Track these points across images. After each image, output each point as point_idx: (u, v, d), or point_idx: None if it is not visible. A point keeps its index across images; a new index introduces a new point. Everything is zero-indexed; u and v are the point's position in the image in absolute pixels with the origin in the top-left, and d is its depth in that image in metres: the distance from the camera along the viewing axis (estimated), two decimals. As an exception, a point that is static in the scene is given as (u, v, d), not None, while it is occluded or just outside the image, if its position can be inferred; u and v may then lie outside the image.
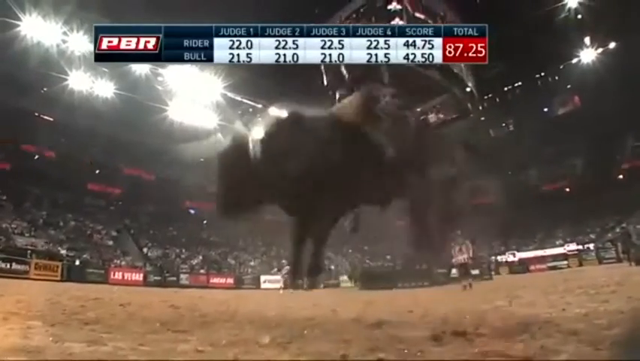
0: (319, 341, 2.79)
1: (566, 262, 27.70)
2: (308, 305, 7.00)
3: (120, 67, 27.41)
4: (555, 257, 29.14)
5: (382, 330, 3.20)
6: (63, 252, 24.11)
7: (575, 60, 31.61)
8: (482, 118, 34.79)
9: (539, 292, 6.99)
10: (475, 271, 23.61)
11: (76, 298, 6.85)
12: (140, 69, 27.96)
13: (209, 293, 13.87)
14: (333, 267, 29.81)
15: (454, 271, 20.17)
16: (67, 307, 5.27)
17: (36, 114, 30.95)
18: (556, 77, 33.65)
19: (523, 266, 29.28)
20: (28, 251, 21.59)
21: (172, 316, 4.71)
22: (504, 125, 37.82)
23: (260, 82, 28.10)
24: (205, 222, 36.23)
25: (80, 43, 25.24)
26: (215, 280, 26.91)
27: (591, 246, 28.84)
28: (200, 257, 31.17)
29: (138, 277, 24.68)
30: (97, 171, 33.96)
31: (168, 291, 16.14)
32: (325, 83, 25.06)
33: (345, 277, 27.80)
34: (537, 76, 33.88)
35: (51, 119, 31.31)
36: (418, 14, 23.80)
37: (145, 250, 30.20)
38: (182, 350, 2.51)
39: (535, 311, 3.81)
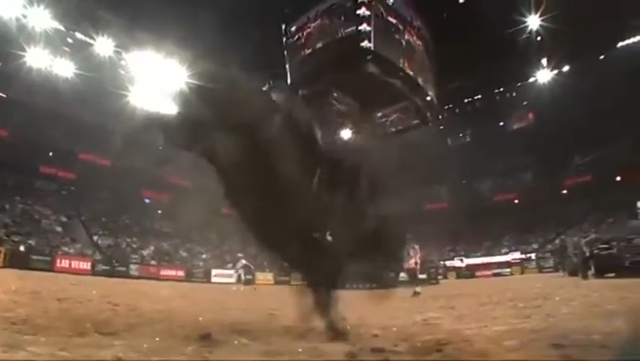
0: (244, 353, 2.76)
1: (509, 270, 29.28)
2: (246, 306, 7.08)
3: (83, 47, 26.62)
4: (500, 265, 30.66)
5: (306, 341, 3.18)
6: (6, 237, 23.15)
7: (532, 79, 33.24)
8: (441, 127, 36.05)
9: (474, 303, 7.10)
10: (423, 276, 24.53)
11: (12, 292, 6.62)
12: (104, 51, 27.15)
13: (156, 287, 13.70)
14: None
15: (402, 274, 20.94)
16: None
17: (-11, 90, 29.49)
18: (514, 94, 35.17)
19: (470, 272, 30.58)
20: (-32, 234, 20.67)
21: (107, 315, 4.61)
22: (461, 135, 39.18)
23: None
24: (159, 212, 35.64)
25: (41, 18, 24.20)
26: (165, 272, 26.60)
27: (533, 255, 30.52)
28: (152, 248, 30.64)
29: (86, 265, 24.04)
30: (50, 154, 32.64)
31: (115, 282, 15.85)
32: (289, 81, 25.23)
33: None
34: (496, 91, 35.25)
35: (4, 95, 29.88)
36: (390, 18, 24.29)
37: (95, 238, 29.39)
38: (102, 356, 2.40)
39: (461, 326, 3.86)
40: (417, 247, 12.79)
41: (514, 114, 37.47)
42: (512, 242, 33.98)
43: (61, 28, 25.12)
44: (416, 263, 12.51)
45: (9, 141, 30.00)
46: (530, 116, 37.04)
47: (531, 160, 36.88)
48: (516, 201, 37.24)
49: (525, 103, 35.85)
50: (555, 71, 31.93)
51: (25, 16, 24.09)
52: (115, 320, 4.04)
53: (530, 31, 27.67)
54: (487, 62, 29.56)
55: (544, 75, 32.44)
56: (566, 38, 26.79)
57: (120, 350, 2.54)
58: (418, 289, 11.84)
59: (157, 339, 2.99)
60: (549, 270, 26.17)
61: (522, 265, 29.55)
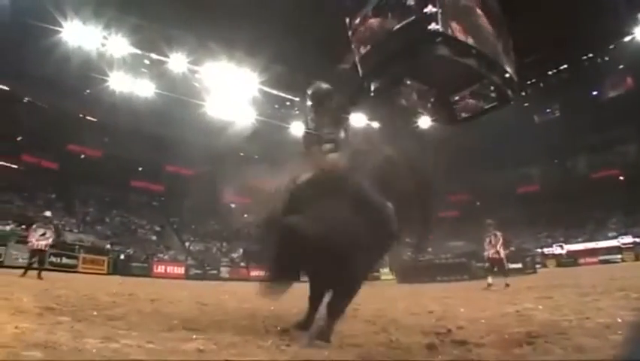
0: (320, 347, 2.70)
1: (620, 256, 26.25)
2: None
3: (159, 66, 28.21)
4: (608, 250, 27.66)
5: (387, 334, 3.17)
6: (109, 247, 25.17)
7: (628, 38, 29.39)
8: (526, 104, 33.42)
9: (575, 293, 6.51)
10: (517, 265, 22.76)
11: (112, 294, 7.04)
12: (178, 67, 28.58)
13: (245, 287, 13.97)
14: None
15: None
16: (101, 302, 5.40)
17: (80, 115, 32.44)
18: (607, 58, 31.50)
19: (572, 259, 27.92)
20: (77, 246, 22.74)
21: (194, 313, 4.78)
22: (549, 110, 36.11)
23: (294, 76, 28.16)
24: (245, 215, 36.80)
25: (119, 45, 25.99)
26: (255, 273, 27.27)
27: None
28: (241, 250, 31.70)
29: (180, 270, 25.45)
30: (139, 169, 35.18)
31: (206, 284, 16.50)
32: (360, 74, 24.69)
33: (385, 270, 27.41)
34: (584, 57, 31.85)
35: (94, 119, 32.70)
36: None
37: (187, 244, 31.06)
38: (185, 349, 2.57)
39: (556, 318, 3.54)
40: (499, 233, 11.59)
41: (608, 81, 33.67)
42: (621, 224, 30.56)
43: (138, 51, 26.70)
44: (497, 253, 11.32)
45: (103, 161, 32.83)
46: (629, 80, 33.04)
47: (633, 130, 33.01)
48: (620, 177, 33.52)
49: (621, 67, 31.93)
50: (656, 25, 27.97)
51: (104, 45, 25.88)
52: (201, 318, 4.23)
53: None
54: (570, 25, 26.66)
55: (642, 31, 28.51)
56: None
57: (202, 343, 2.69)
58: (491, 280, 10.84)
59: (238, 334, 3.13)
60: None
61: (636, 250, 26.24)
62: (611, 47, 30.31)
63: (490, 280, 10.85)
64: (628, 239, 28.06)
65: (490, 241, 11.39)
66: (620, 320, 3.15)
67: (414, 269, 24.38)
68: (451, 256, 21.87)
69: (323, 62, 25.73)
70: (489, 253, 11.41)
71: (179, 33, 25.95)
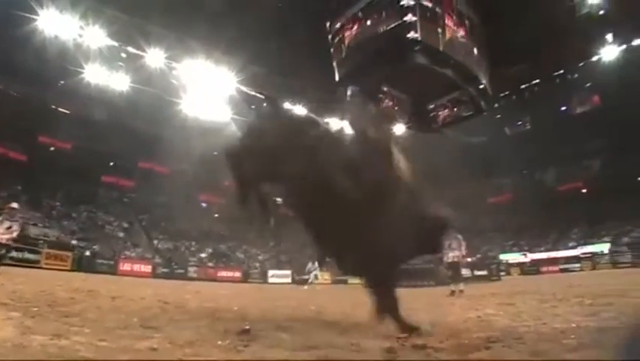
0: (282, 347, 2.77)
1: (578, 265, 27.17)
2: (296, 304, 6.95)
3: (136, 60, 27.74)
4: (568, 259, 28.56)
5: (347, 337, 3.21)
6: (74, 242, 24.54)
7: (595, 57, 30.69)
8: (498, 116, 34.36)
9: (535, 300, 6.82)
10: (483, 272, 23.35)
11: (71, 290, 6.94)
12: (155, 63, 28.16)
13: (210, 287, 13.91)
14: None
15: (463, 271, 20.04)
16: (58, 298, 5.33)
17: (53, 107, 31.54)
18: (576, 75, 32.71)
19: (534, 268, 28.79)
20: (41, 241, 22.05)
21: (154, 311, 4.75)
22: (520, 123, 37.14)
23: (273, 77, 28.20)
24: (216, 215, 36.56)
25: (96, 36, 25.44)
26: (222, 274, 27.10)
27: (606, 249, 28.13)
28: (210, 250, 31.44)
29: (147, 268, 25.04)
30: (111, 164, 34.47)
31: (172, 283, 16.32)
32: (337, 78, 24.88)
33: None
34: (555, 74, 32.99)
35: (67, 111, 31.87)
36: (435, 6, 23.44)
37: (155, 242, 30.59)
38: (139, 347, 2.53)
39: (516, 324, 3.71)
40: (460, 237, 11.27)
41: (577, 97, 34.92)
42: (581, 235, 31.68)
43: (115, 44, 26.21)
44: (459, 257, 11.07)
45: (73, 154, 32.03)
46: (595, 98, 34.35)
47: (598, 146, 34.26)
48: (584, 190, 34.77)
49: (589, 84, 33.23)
50: (623, 47, 29.25)
51: (81, 36, 25.28)
52: (161, 316, 4.27)
53: (591, 5, 25.59)
54: (544, 42, 27.63)
55: (609, 52, 29.77)
56: (634, 9, 24.48)
57: (157, 342, 2.68)
58: (461, 286, 10.79)
59: (197, 333, 3.12)
60: (625, 265, 24.04)
61: (593, 260, 27.30)
62: (580, 65, 31.53)
63: (453, 286, 10.82)
64: (587, 249, 29.09)
65: (450, 245, 10.98)
66: (574, 325, 3.33)
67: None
68: (419, 263, 22.20)
69: (301, 64, 26.06)
70: (449, 256, 11.10)
71: (157, 28, 25.59)
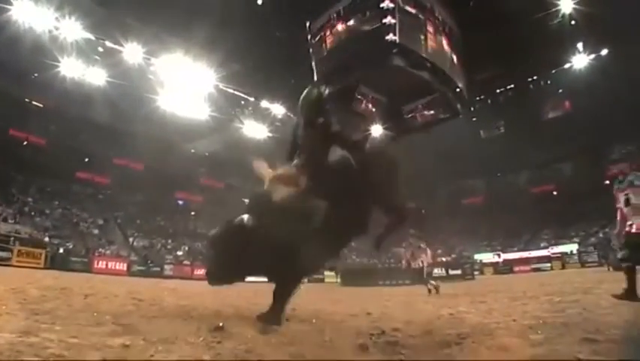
0: (254, 343, 2.81)
1: (549, 265, 28.11)
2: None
3: (113, 55, 27.28)
4: (539, 259, 29.50)
5: (322, 334, 3.26)
6: (47, 239, 24.02)
7: (567, 65, 31.72)
8: (473, 119, 35.12)
9: (506, 298, 6.98)
10: (458, 271, 23.90)
11: (43, 288, 6.79)
12: (133, 58, 27.72)
13: (186, 285, 13.84)
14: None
15: (437, 270, 20.52)
16: (29, 296, 5.18)
17: (26, 100, 30.72)
18: (549, 82, 33.69)
19: (507, 267, 29.59)
20: (12, 238, 21.48)
21: (128, 309, 4.66)
22: (495, 126, 38.00)
23: (252, 75, 28.15)
24: (193, 213, 36.29)
25: (72, 29, 24.91)
26: (199, 272, 26.89)
27: (574, 249, 29.17)
28: (186, 248, 31.18)
29: (122, 266, 24.70)
30: (86, 160, 33.77)
31: (147, 281, 16.15)
32: (315, 77, 25.03)
33: (329, 272, 27.85)
34: (530, 79, 33.92)
35: (41, 105, 31.11)
36: (408, 8, 23.75)
37: (131, 239, 30.17)
38: (111, 344, 2.54)
39: (487, 321, 3.82)
40: (423, 245, 11.42)
41: (549, 103, 35.89)
42: (552, 236, 32.73)
43: (92, 37, 25.74)
44: (427, 262, 11.07)
45: (47, 149, 31.25)
46: (567, 104, 35.40)
47: (569, 150, 35.36)
48: (555, 193, 35.86)
49: (561, 91, 34.25)
50: (592, 56, 30.31)
51: (57, 28, 24.72)
52: (134, 314, 4.20)
53: (563, 15, 26.41)
54: (519, 49, 28.38)
55: (580, 61, 30.80)
56: (603, 20, 25.39)
57: (130, 339, 2.66)
58: (435, 283, 10.65)
59: (170, 330, 3.05)
60: (593, 265, 24.95)
61: (563, 259, 28.31)
62: (553, 72, 32.52)
63: (429, 286, 10.69)
64: (557, 249, 30.12)
65: (413, 253, 11.23)
66: (541, 322, 3.45)
67: (357, 273, 25.11)
68: (394, 261, 22.62)
69: (280, 63, 26.09)
70: (410, 263, 11.28)
71: (135, 22, 25.20)
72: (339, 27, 24.63)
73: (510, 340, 2.78)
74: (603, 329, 2.76)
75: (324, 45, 25.32)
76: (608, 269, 17.53)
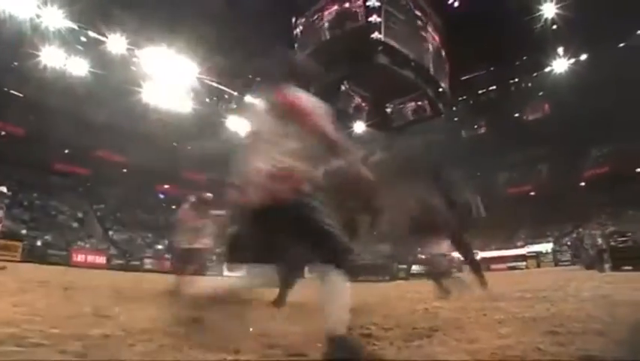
0: (232, 333, 2.87)
1: (524, 263, 28.75)
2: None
3: (96, 45, 26.86)
4: (515, 258, 30.07)
5: (295, 325, 3.36)
6: (25, 232, 23.60)
7: (548, 69, 32.44)
8: (455, 118, 35.65)
9: (481, 295, 7.19)
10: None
11: (21, 281, 6.77)
12: (116, 49, 27.29)
13: (166, 279, 13.86)
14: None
15: (414, 268, 20.84)
16: (7, 289, 5.19)
17: (5, 89, 30.06)
18: (530, 84, 34.44)
19: (484, 266, 30.06)
20: (-13, 230, 21.00)
21: (108, 300, 4.73)
22: (476, 127, 38.61)
23: (234, 69, 28.06)
24: (173, 207, 36.01)
25: (54, 17, 24.43)
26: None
27: (549, 248, 29.91)
28: (166, 242, 30.96)
29: (101, 260, 24.47)
30: (66, 151, 33.20)
31: (127, 275, 16.03)
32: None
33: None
34: (511, 81, 34.59)
35: (21, 95, 30.45)
36: (400, 9, 23.91)
37: (110, 233, 29.84)
38: (91, 334, 2.59)
39: (459, 315, 3.94)
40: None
41: (529, 105, 36.71)
42: (528, 235, 33.41)
43: (75, 26, 25.29)
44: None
45: (26, 139, 30.62)
46: (546, 106, 36.25)
47: (547, 152, 36.15)
48: (532, 193, 36.60)
49: (541, 93, 35.10)
50: (572, 60, 31.07)
51: (39, 16, 24.22)
52: (115, 305, 4.23)
53: (546, 20, 26.99)
54: (502, 52, 28.99)
55: (560, 65, 31.57)
56: (583, 26, 26.04)
57: (110, 329, 2.76)
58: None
59: (151, 322, 3.12)
60: (566, 263, 25.58)
61: (538, 258, 28.95)
62: (534, 75, 33.24)
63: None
64: (533, 248, 30.80)
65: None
66: (511, 317, 3.58)
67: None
68: (374, 258, 22.89)
69: (265, 58, 26.00)
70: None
71: (119, 12, 24.81)
72: (325, 23, 24.71)
73: (479, 333, 2.89)
74: (566, 323, 2.94)
75: (309, 41, 25.36)
76: (581, 268, 18.00)
